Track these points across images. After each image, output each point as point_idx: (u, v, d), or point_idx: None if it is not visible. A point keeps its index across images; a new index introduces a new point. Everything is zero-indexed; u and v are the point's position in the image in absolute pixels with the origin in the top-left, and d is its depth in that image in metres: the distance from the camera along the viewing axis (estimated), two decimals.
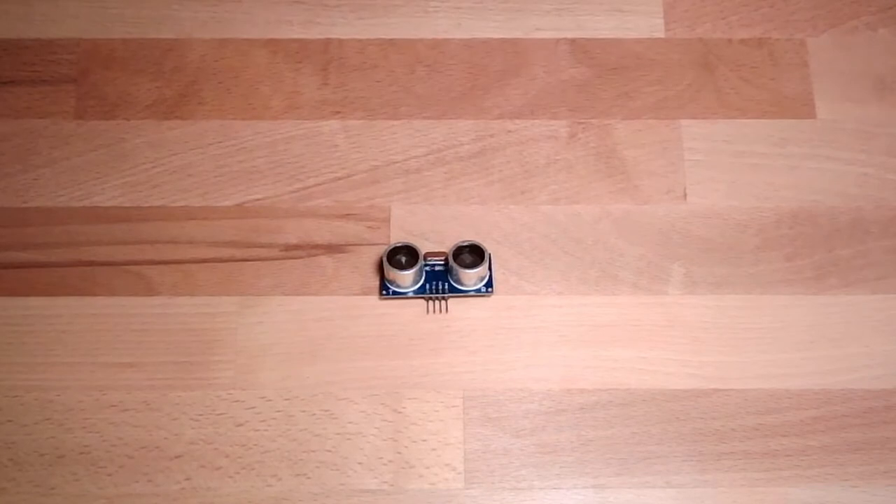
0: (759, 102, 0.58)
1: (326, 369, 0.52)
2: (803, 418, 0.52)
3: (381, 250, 0.54)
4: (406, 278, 0.53)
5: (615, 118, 0.58)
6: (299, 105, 0.58)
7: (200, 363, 0.53)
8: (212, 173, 0.57)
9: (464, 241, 0.53)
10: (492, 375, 0.52)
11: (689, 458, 0.51)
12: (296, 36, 0.60)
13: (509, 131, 0.58)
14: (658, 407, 0.52)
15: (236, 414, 0.52)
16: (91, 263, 0.54)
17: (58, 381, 0.52)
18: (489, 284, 0.54)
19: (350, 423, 0.52)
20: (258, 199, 0.56)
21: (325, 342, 0.53)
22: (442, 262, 0.54)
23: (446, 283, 0.54)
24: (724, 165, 0.57)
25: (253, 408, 0.52)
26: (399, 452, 0.51)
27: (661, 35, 0.60)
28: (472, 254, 0.53)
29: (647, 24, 0.60)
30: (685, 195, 0.56)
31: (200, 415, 0.52)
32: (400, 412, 0.52)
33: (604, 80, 0.59)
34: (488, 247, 0.54)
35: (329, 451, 0.51)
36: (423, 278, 0.54)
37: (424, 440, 0.51)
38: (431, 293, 0.54)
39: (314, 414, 0.52)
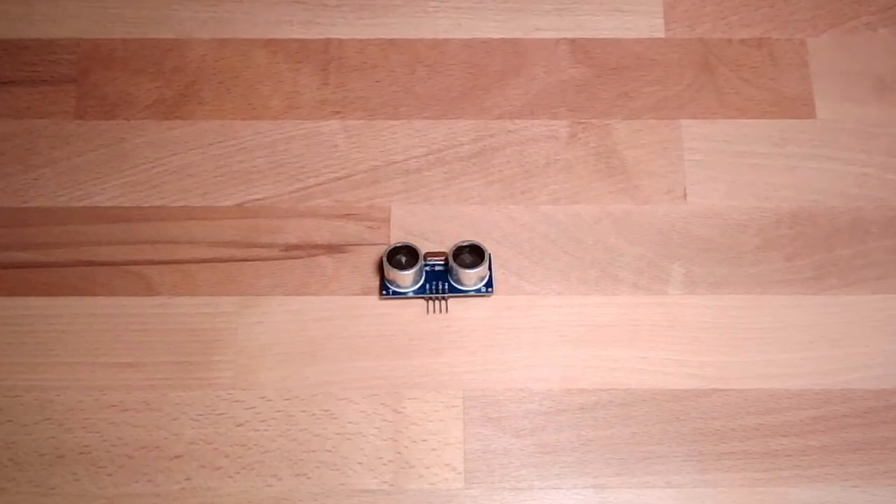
0: (759, 102, 0.58)
1: (326, 369, 0.52)
2: (803, 418, 0.52)
3: (381, 250, 0.54)
4: (406, 278, 0.53)
5: (615, 118, 0.58)
6: (299, 105, 0.58)
7: (200, 363, 0.53)
8: (212, 173, 0.57)
9: (464, 241, 0.53)
10: (492, 375, 0.52)
11: (689, 458, 0.51)
12: (296, 36, 0.60)
13: (509, 131, 0.58)
14: (658, 407, 0.52)
15: (236, 414, 0.52)
16: (91, 263, 0.54)
17: (58, 381, 0.52)
18: (489, 284, 0.54)
19: (350, 423, 0.52)
20: (258, 199, 0.56)
21: (325, 342, 0.53)
22: (442, 262, 0.54)
23: (446, 283, 0.54)
24: (724, 165, 0.57)
25: (253, 408, 0.52)
26: (399, 452, 0.51)
27: (661, 35, 0.60)
28: (472, 254, 0.53)
29: (647, 24, 0.60)
30: (685, 195, 0.56)
31: (200, 415, 0.52)
32: (400, 412, 0.52)
33: (604, 80, 0.59)
34: (488, 247, 0.54)
35: (329, 451, 0.51)
36: (423, 278, 0.54)
37: (424, 440, 0.51)
38: (431, 293, 0.54)
39: (314, 414, 0.52)
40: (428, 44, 0.60)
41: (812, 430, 0.51)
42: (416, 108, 0.58)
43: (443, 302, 0.54)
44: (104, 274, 0.54)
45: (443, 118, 0.58)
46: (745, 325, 0.53)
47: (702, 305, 0.54)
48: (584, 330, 0.53)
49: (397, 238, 0.55)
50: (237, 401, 0.52)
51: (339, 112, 0.58)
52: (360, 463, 0.51)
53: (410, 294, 0.54)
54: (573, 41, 0.59)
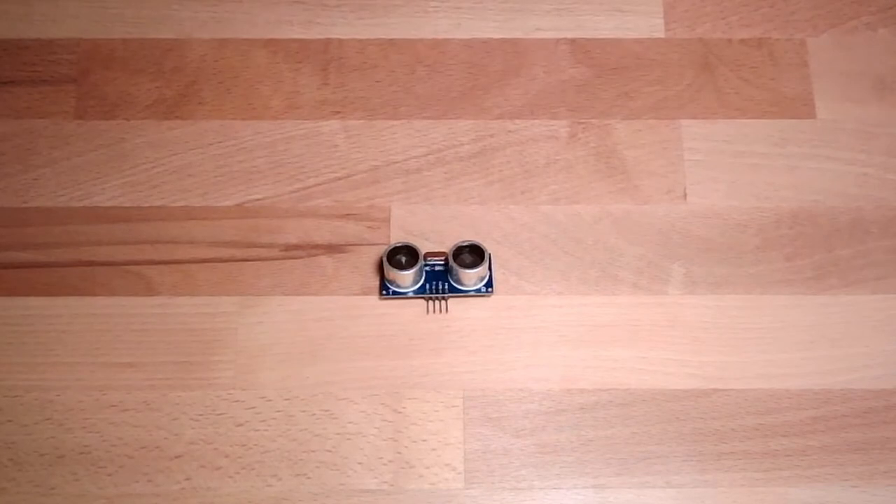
0: (759, 102, 0.58)
1: (326, 369, 0.52)
2: (803, 418, 0.52)
3: (381, 250, 0.54)
4: (406, 278, 0.53)
5: (615, 118, 0.58)
6: (299, 105, 0.58)
7: (200, 363, 0.53)
8: (212, 173, 0.57)
9: (464, 241, 0.53)
10: (492, 375, 0.52)
11: (689, 458, 0.51)
12: (296, 36, 0.60)
13: (509, 131, 0.58)
14: (658, 407, 0.52)
15: (236, 414, 0.52)
16: (91, 263, 0.54)
17: (58, 381, 0.52)
18: (489, 284, 0.54)
19: (350, 423, 0.52)
20: (258, 199, 0.56)
21: (325, 342, 0.53)
22: (442, 262, 0.54)
23: (446, 283, 0.54)
24: (724, 165, 0.57)
25: (253, 408, 0.52)
26: (399, 452, 0.51)
27: (661, 35, 0.60)
28: (472, 254, 0.53)
29: (647, 24, 0.60)
30: (685, 195, 0.56)
31: (200, 415, 0.52)
32: (400, 412, 0.52)
33: (604, 80, 0.59)
34: (488, 247, 0.54)
35: (329, 451, 0.51)
36: (423, 278, 0.54)
37: (424, 440, 0.51)
38: (431, 293, 0.54)
39: (314, 414, 0.52)
40: (428, 44, 0.60)
41: (812, 430, 0.51)
42: (416, 108, 0.58)
43: (443, 302, 0.54)
44: (104, 274, 0.54)
45: (443, 118, 0.58)
46: (745, 325, 0.53)
47: (702, 305, 0.54)
48: (584, 330, 0.53)
49: (397, 238, 0.55)
50: (237, 401, 0.52)
51: (339, 112, 0.58)
52: (360, 463, 0.51)
53: (410, 294, 0.54)
54: (573, 41, 0.59)
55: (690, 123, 0.58)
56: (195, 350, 0.53)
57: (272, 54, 0.59)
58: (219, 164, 0.57)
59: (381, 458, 0.51)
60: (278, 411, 0.52)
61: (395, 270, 0.52)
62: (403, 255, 0.53)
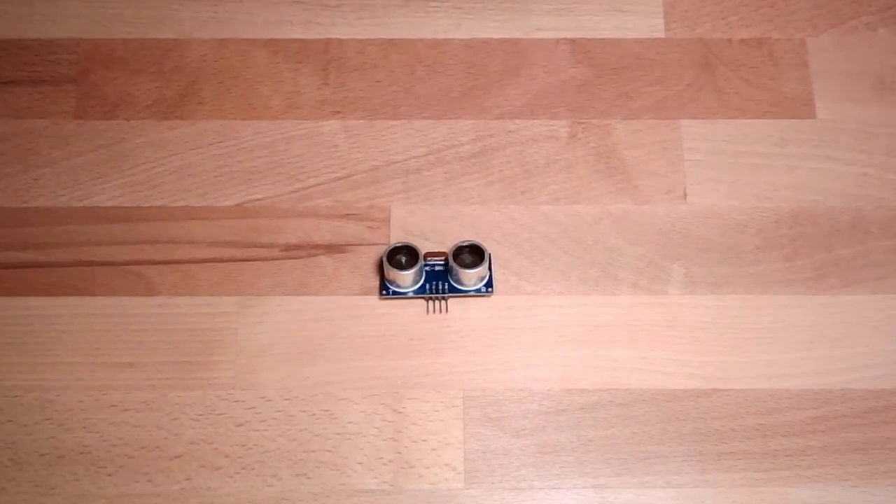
0: (759, 102, 0.58)
1: (326, 369, 0.52)
2: (803, 418, 0.52)
3: (381, 250, 0.54)
4: (406, 278, 0.53)
5: (615, 118, 0.58)
6: (299, 105, 0.58)
7: (200, 363, 0.53)
8: (212, 173, 0.57)
9: (464, 241, 0.53)
10: (492, 375, 0.52)
11: (689, 458, 0.51)
12: (296, 36, 0.60)
13: (509, 131, 0.58)
14: (658, 407, 0.52)
15: (236, 414, 0.52)
16: (91, 263, 0.54)
17: (58, 381, 0.52)
18: (489, 284, 0.54)
19: (350, 423, 0.51)
20: (258, 199, 0.56)
21: (325, 342, 0.53)
22: (442, 262, 0.54)
23: (446, 283, 0.54)
24: (724, 165, 0.57)
25: (253, 408, 0.52)
26: (399, 452, 0.51)
27: (661, 35, 0.60)
28: (472, 254, 0.53)
29: (647, 24, 0.60)
30: (685, 195, 0.56)
31: (200, 415, 0.52)
32: (400, 412, 0.52)
33: (604, 80, 0.59)
34: (488, 247, 0.54)
35: (329, 451, 0.51)
36: (423, 278, 0.54)
37: (424, 440, 0.51)
38: (431, 293, 0.54)
39: (314, 414, 0.52)
40: (428, 44, 0.60)
41: (812, 430, 0.51)
42: (416, 108, 0.58)
43: (443, 302, 0.54)
44: (104, 274, 0.54)
45: (443, 118, 0.58)
46: (745, 325, 0.53)
47: (702, 305, 0.54)
48: (584, 330, 0.53)
49: (397, 238, 0.55)
50: (237, 401, 0.52)
51: (339, 112, 0.58)
52: (360, 463, 0.51)
53: (410, 294, 0.54)
54: (573, 41, 0.59)
55: (690, 123, 0.58)
56: (195, 350, 0.53)
57: (272, 54, 0.59)
58: (219, 164, 0.57)
59: (381, 458, 0.51)
60: (278, 411, 0.52)
61: (395, 270, 0.52)
62: (403, 255, 0.53)
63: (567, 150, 0.57)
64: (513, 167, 0.57)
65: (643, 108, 0.58)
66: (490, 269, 0.54)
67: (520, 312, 0.54)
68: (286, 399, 0.52)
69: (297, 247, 0.55)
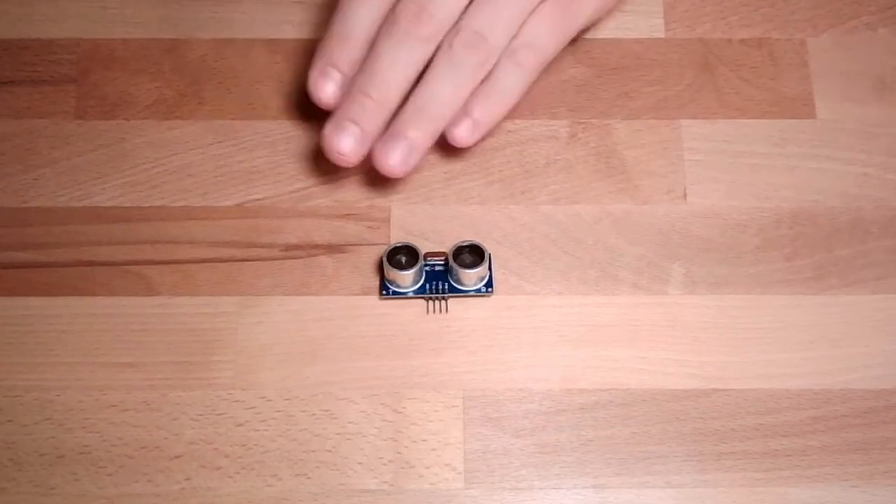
0: (759, 102, 0.58)
1: (326, 369, 0.53)
2: (803, 418, 0.52)
3: (381, 250, 0.54)
4: (406, 278, 0.53)
5: (615, 118, 0.58)
6: (299, 105, 0.58)
7: (200, 363, 0.53)
8: (212, 173, 0.57)
9: (464, 241, 0.53)
10: (492, 375, 0.52)
11: (689, 458, 0.51)
12: (296, 36, 0.60)
13: (509, 131, 0.58)
14: (658, 407, 0.52)
15: (236, 414, 0.52)
16: (91, 263, 0.55)
17: (58, 381, 0.52)
18: (489, 284, 0.54)
19: (350, 423, 0.52)
20: (258, 199, 0.56)
21: (325, 342, 0.53)
22: (442, 262, 0.54)
23: (446, 283, 0.54)
24: (724, 165, 0.57)
25: (253, 408, 0.52)
26: (399, 452, 0.51)
27: (661, 35, 0.60)
28: (472, 254, 0.53)
29: (647, 24, 0.60)
30: (685, 195, 0.56)
31: (200, 415, 0.52)
32: (400, 412, 0.52)
33: (604, 80, 0.59)
34: (488, 247, 0.54)
35: (329, 451, 0.51)
36: (423, 278, 0.54)
37: (424, 440, 0.51)
38: (431, 293, 0.54)
39: (314, 414, 0.52)
40: None
41: (812, 430, 0.51)
42: None
43: (443, 302, 0.54)
44: (104, 274, 0.54)
45: None
46: (745, 325, 0.53)
47: (702, 305, 0.54)
48: (584, 330, 0.53)
49: (397, 238, 0.55)
50: (237, 401, 0.52)
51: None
52: (360, 463, 0.51)
53: (410, 294, 0.54)
54: (573, 41, 0.59)
55: (690, 123, 0.58)
56: (195, 350, 0.53)
57: (272, 54, 0.59)
58: (219, 164, 0.57)
59: (381, 458, 0.51)
60: (278, 411, 0.52)
61: (395, 270, 0.52)
62: (403, 255, 0.53)
63: (567, 150, 0.57)
64: (513, 167, 0.57)
65: (643, 108, 0.58)
66: (490, 269, 0.54)
67: (520, 312, 0.54)
68: (286, 399, 0.52)
69: (297, 247, 0.55)
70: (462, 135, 0.53)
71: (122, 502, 0.50)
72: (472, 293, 0.54)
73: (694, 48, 0.60)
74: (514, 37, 0.53)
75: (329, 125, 0.52)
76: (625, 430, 0.51)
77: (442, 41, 0.51)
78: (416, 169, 0.56)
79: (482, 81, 0.53)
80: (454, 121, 0.53)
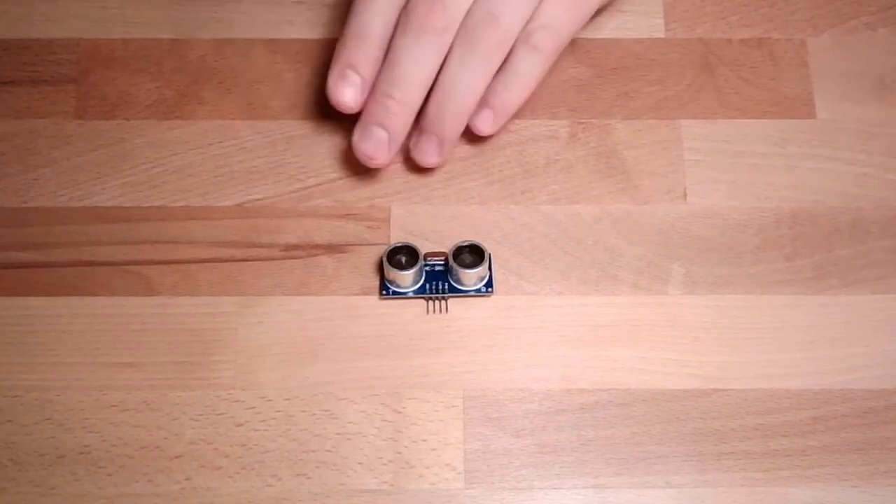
0: (759, 102, 0.58)
1: (326, 369, 0.52)
2: (803, 418, 0.52)
3: (381, 250, 0.54)
4: (406, 278, 0.53)
5: (615, 118, 0.58)
6: (299, 105, 0.58)
7: (200, 363, 0.53)
8: (212, 173, 0.57)
9: (464, 241, 0.53)
10: (492, 375, 0.52)
11: (689, 458, 0.51)
12: (296, 36, 0.60)
13: (509, 131, 0.58)
14: (658, 407, 0.52)
15: (236, 414, 0.52)
16: (91, 263, 0.55)
17: (58, 381, 0.52)
18: (489, 284, 0.54)
19: (350, 423, 0.52)
20: (258, 199, 0.56)
21: (325, 342, 0.53)
22: (442, 262, 0.54)
23: (446, 283, 0.54)
24: (724, 165, 0.57)
25: (253, 408, 0.52)
26: (399, 452, 0.51)
27: (661, 35, 0.60)
28: (472, 254, 0.53)
29: (647, 24, 0.60)
30: (685, 195, 0.56)
31: (200, 415, 0.52)
32: (400, 412, 0.52)
33: (604, 80, 0.59)
34: (488, 247, 0.54)
35: (329, 451, 0.51)
36: (423, 278, 0.54)
37: (424, 440, 0.51)
38: (431, 293, 0.54)
39: (314, 414, 0.52)
40: None
41: (812, 430, 0.51)
42: None
43: (443, 302, 0.54)
44: (104, 274, 0.54)
45: None
46: (745, 325, 0.53)
47: (702, 305, 0.54)
48: (584, 330, 0.53)
49: (397, 238, 0.55)
50: (237, 401, 0.52)
51: (339, 112, 0.58)
52: (360, 463, 0.51)
53: (410, 294, 0.54)
54: (573, 41, 0.59)
55: (690, 123, 0.58)
56: (195, 350, 0.53)
57: (272, 54, 0.59)
58: (219, 164, 0.57)
59: (381, 458, 0.51)
60: (278, 411, 0.52)
61: (395, 270, 0.52)
62: (403, 255, 0.53)
63: (567, 150, 0.57)
64: (513, 167, 0.57)
65: (643, 108, 0.58)
66: (490, 269, 0.54)
67: (520, 312, 0.54)
68: (286, 399, 0.52)
69: (297, 247, 0.55)
70: (483, 125, 0.55)
71: (122, 502, 0.50)
72: (472, 293, 0.54)
73: (694, 48, 0.60)
74: (529, 20, 0.53)
75: (357, 131, 0.53)
76: (625, 430, 0.51)
77: (458, 29, 0.52)
78: (417, 169, 0.57)
79: (500, 70, 0.53)
80: (475, 111, 0.53)
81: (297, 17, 0.60)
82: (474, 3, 0.52)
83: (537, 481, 0.51)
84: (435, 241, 0.55)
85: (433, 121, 0.53)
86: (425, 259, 0.53)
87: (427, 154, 0.54)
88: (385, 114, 0.52)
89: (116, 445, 0.51)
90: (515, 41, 0.53)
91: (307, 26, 0.60)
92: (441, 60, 0.52)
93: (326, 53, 0.59)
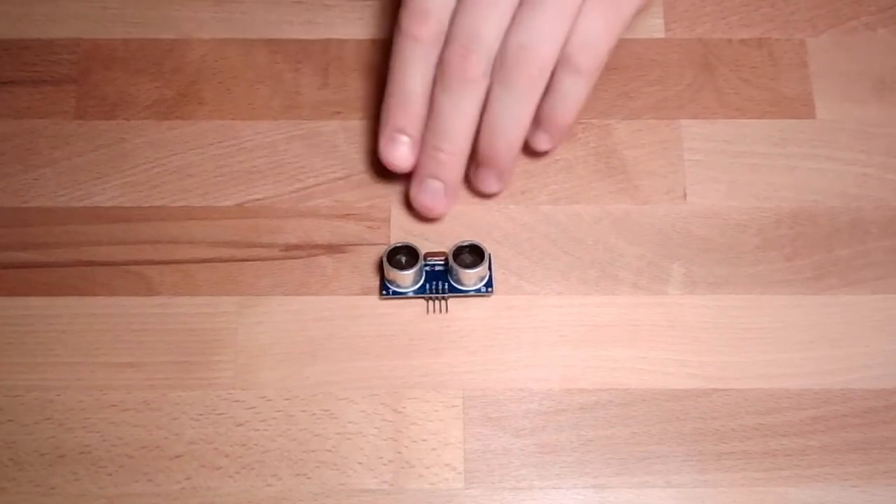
0: (759, 102, 0.58)
1: (326, 369, 0.53)
2: (803, 418, 0.52)
3: (381, 250, 0.54)
4: (406, 278, 0.53)
5: (615, 118, 0.58)
6: (299, 105, 0.58)
7: (200, 363, 0.53)
8: (212, 173, 0.57)
9: (464, 241, 0.53)
10: (492, 375, 0.52)
11: (689, 458, 0.51)
12: (296, 36, 0.60)
13: None
14: (658, 407, 0.52)
15: (236, 414, 0.52)
16: (91, 263, 0.55)
17: (58, 381, 0.52)
18: (489, 284, 0.54)
19: (350, 423, 0.52)
20: (258, 199, 0.56)
21: (325, 342, 0.53)
22: (442, 262, 0.54)
23: (446, 283, 0.54)
24: (724, 165, 0.57)
25: (253, 408, 0.52)
26: (399, 452, 0.51)
27: (661, 35, 0.60)
28: (472, 254, 0.53)
29: (647, 24, 0.60)
30: (685, 195, 0.56)
31: (200, 415, 0.52)
32: (400, 412, 0.52)
33: (604, 80, 0.59)
34: (488, 247, 0.54)
35: (329, 451, 0.51)
36: (423, 278, 0.54)
37: (424, 440, 0.51)
38: (431, 293, 0.54)
39: (314, 414, 0.52)
40: None
41: (812, 430, 0.51)
42: None
43: (443, 302, 0.54)
44: (104, 274, 0.54)
45: None
46: (745, 325, 0.53)
47: (702, 305, 0.54)
48: (584, 330, 0.53)
49: (397, 238, 0.55)
50: (237, 401, 0.52)
51: (339, 112, 0.58)
52: (360, 463, 0.51)
53: (410, 294, 0.54)
54: None
55: (690, 123, 0.58)
56: (195, 350, 0.53)
57: (272, 54, 0.59)
58: (219, 164, 0.57)
59: (381, 457, 0.51)
60: (278, 411, 0.52)
61: (395, 270, 0.52)
62: (403, 255, 0.53)
63: (567, 150, 0.57)
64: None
65: (643, 108, 0.58)
66: (490, 269, 0.54)
67: (520, 312, 0.54)
68: (286, 399, 0.52)
69: (297, 247, 0.55)
70: (541, 145, 0.55)
71: (123, 502, 0.50)
72: (472, 293, 0.54)
73: (694, 48, 0.60)
74: (565, 43, 0.51)
75: (413, 184, 0.54)
76: (625, 430, 0.51)
77: (494, 65, 0.51)
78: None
79: (547, 92, 0.52)
80: (529, 136, 0.53)
81: (297, 17, 0.60)
82: (506, 36, 0.50)
83: (537, 481, 0.51)
84: (435, 241, 0.55)
85: (487, 157, 0.53)
86: (425, 259, 0.53)
87: (487, 185, 0.55)
88: (437, 166, 0.53)
89: (117, 445, 0.51)
90: (557, 63, 0.51)
91: (307, 26, 0.60)
92: (482, 102, 0.51)
93: (327, 53, 0.59)
